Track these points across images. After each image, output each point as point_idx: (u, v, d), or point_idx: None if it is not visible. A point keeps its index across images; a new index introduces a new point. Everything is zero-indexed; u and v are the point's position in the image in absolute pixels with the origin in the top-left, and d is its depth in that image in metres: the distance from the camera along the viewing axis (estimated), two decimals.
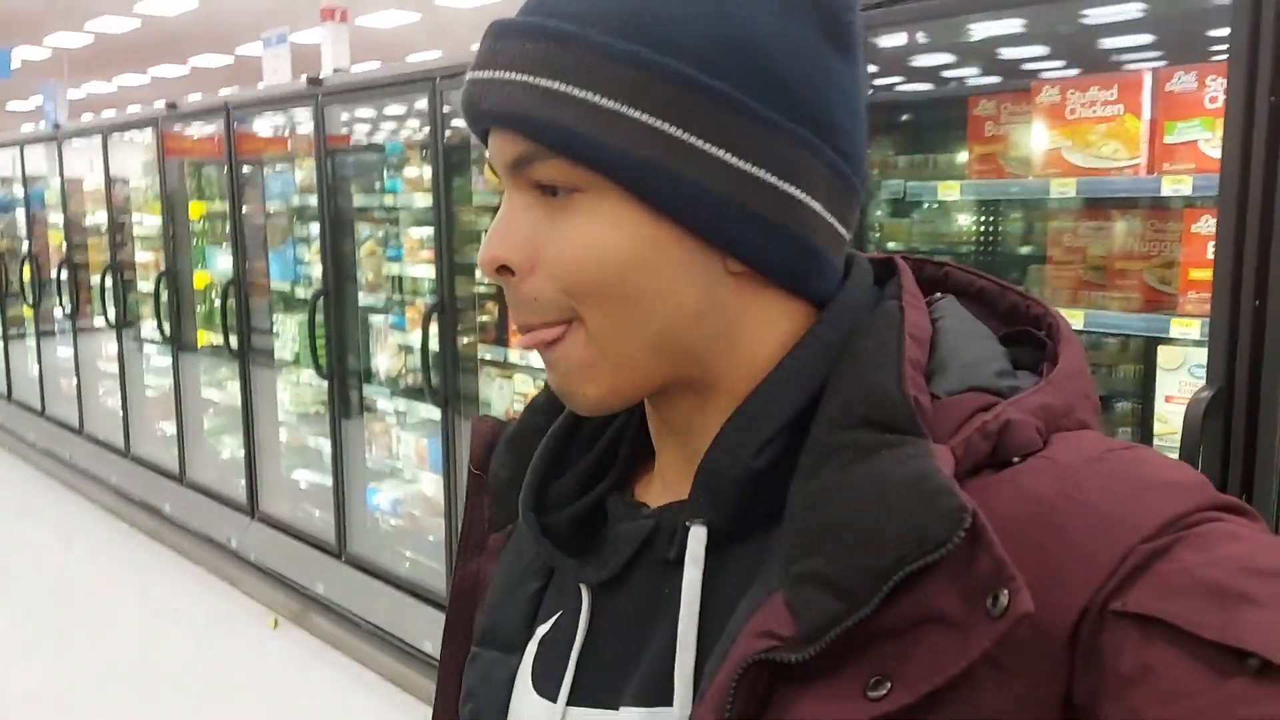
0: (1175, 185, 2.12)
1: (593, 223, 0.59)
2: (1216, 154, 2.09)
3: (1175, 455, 1.98)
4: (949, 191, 2.51)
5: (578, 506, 0.70)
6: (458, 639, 0.79)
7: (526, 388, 3.75)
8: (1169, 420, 2.25)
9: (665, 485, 0.69)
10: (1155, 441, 2.27)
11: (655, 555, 0.66)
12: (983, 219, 2.91)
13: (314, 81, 4.28)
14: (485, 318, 3.93)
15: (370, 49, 12.50)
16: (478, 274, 3.84)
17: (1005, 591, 0.50)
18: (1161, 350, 2.27)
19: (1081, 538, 0.52)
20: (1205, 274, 2.15)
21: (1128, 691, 0.49)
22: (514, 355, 3.72)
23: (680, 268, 0.60)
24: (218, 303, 5.22)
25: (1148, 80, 2.21)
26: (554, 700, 0.68)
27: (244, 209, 5.08)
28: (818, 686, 0.54)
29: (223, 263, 5.46)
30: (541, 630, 0.72)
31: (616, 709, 0.65)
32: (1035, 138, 2.40)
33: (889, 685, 0.53)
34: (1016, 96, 2.54)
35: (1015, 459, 0.56)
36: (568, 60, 0.57)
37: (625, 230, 0.59)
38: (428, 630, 3.98)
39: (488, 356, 3.87)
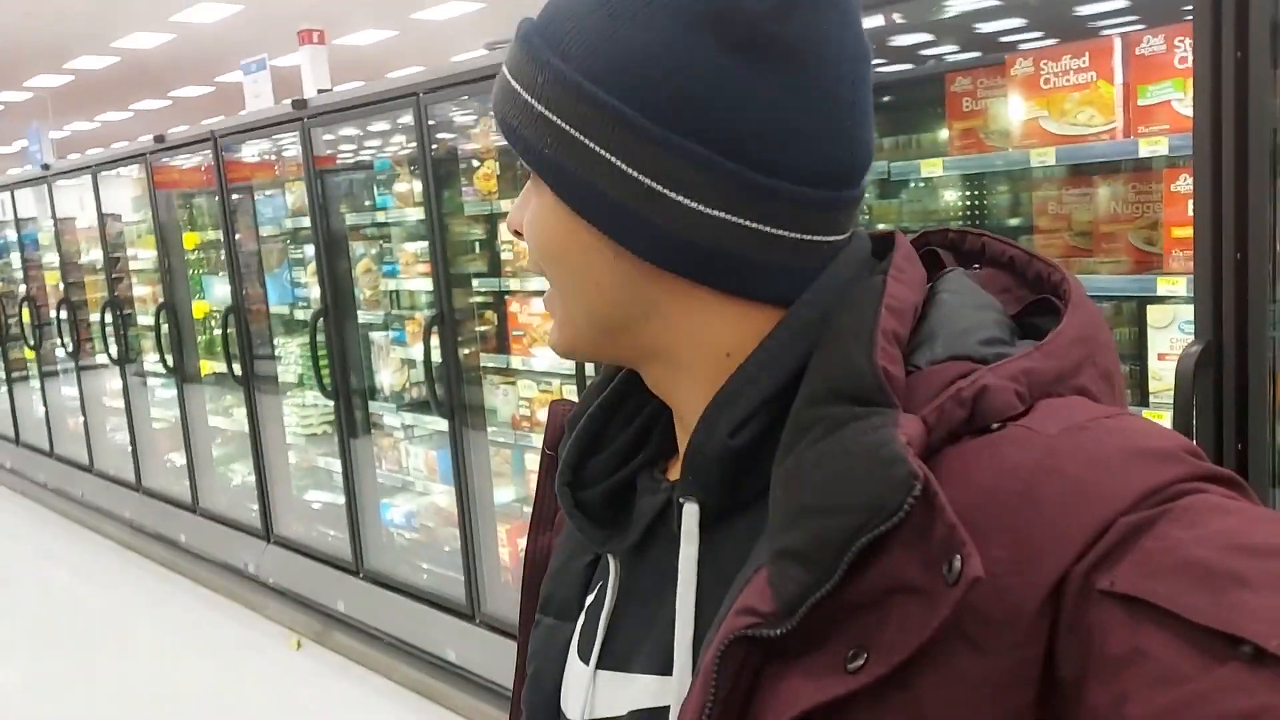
0: (1152, 146, 2.16)
1: (538, 207, 0.68)
2: (1189, 113, 2.13)
3: (1169, 411, 2.02)
4: (931, 169, 2.55)
5: (610, 482, 0.74)
6: (530, 606, 0.85)
7: (531, 393, 3.78)
8: (1163, 378, 2.29)
9: (680, 464, 0.73)
10: (1151, 399, 2.31)
11: (669, 527, 0.70)
12: (968, 194, 2.94)
13: (299, 104, 4.32)
14: (485, 327, 3.97)
15: (350, 68, 12.53)
16: (475, 284, 3.88)
17: (958, 557, 0.50)
18: (1151, 309, 2.31)
19: (1054, 509, 0.52)
20: (1187, 231, 2.19)
21: (1117, 674, 0.48)
22: (516, 361, 3.76)
23: (595, 254, 0.66)
24: (218, 331, 5.26)
25: (1118, 45, 2.25)
26: (590, 664, 0.73)
27: (237, 236, 5.12)
28: (801, 662, 0.55)
29: (220, 291, 5.50)
30: (589, 599, 0.77)
31: (633, 673, 0.70)
32: (1013, 110, 2.44)
33: (865, 656, 0.53)
34: (991, 71, 2.57)
35: (995, 425, 0.56)
36: (523, 64, 0.66)
37: (551, 217, 0.67)
38: (449, 639, 4.02)
39: (490, 364, 3.91)
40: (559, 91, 0.64)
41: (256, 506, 5.30)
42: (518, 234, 0.72)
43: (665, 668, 0.66)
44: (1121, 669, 0.48)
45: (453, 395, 3.89)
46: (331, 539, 4.87)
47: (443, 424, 4.03)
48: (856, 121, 0.65)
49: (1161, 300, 2.26)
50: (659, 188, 0.62)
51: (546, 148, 0.65)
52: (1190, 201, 2.18)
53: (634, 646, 0.71)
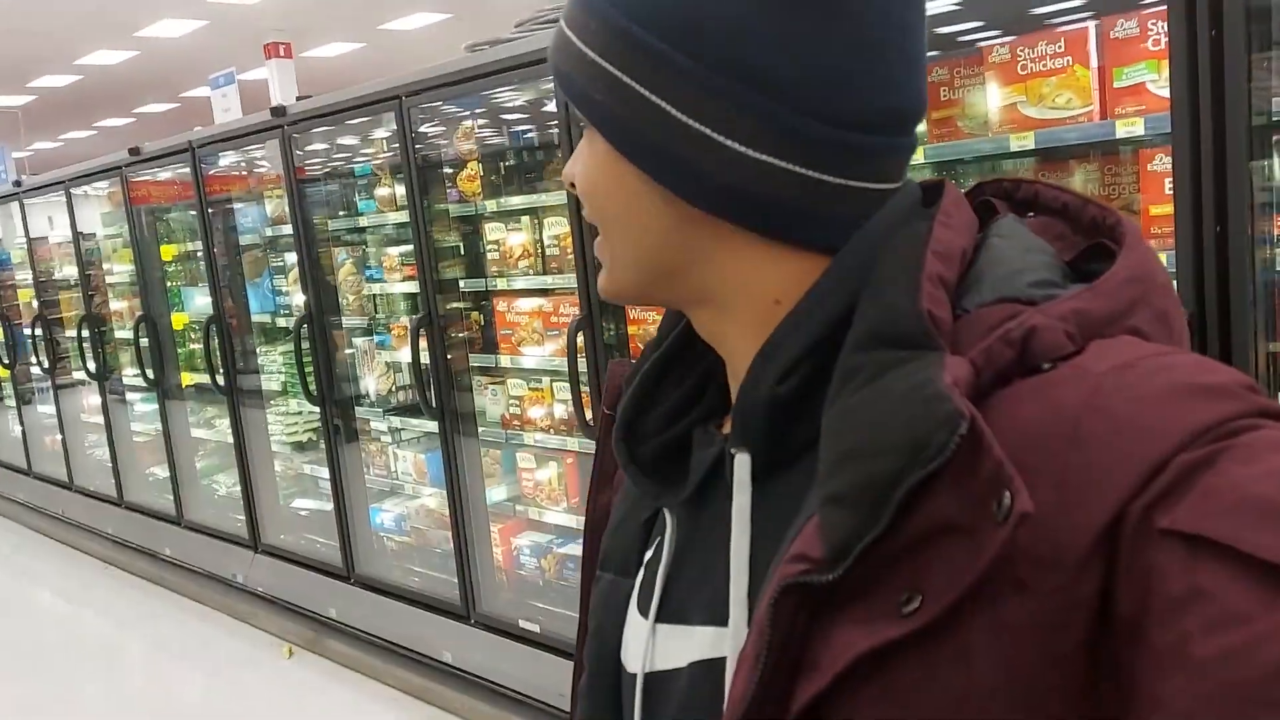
0: (1128, 128, 2.22)
1: (591, 155, 0.70)
2: (1164, 94, 2.19)
3: None
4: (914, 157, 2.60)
5: (666, 436, 0.75)
6: (591, 564, 0.86)
7: (520, 391, 3.81)
8: None
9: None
10: None
11: (724, 480, 0.70)
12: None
13: (277, 111, 4.32)
14: (471, 329, 4.00)
15: (317, 82, 12.49)
16: (461, 285, 3.90)
17: (1007, 494, 0.50)
18: None
19: (1103, 447, 0.51)
20: (1165, 209, 2.26)
21: (1177, 615, 0.47)
22: (505, 361, 3.78)
23: (645, 200, 0.67)
24: (197, 344, 5.24)
25: (1092, 30, 2.32)
26: (649, 618, 0.74)
27: (216, 246, 5.12)
28: (855, 608, 0.55)
29: (200, 302, 5.49)
30: (648, 554, 0.78)
31: (691, 625, 0.71)
32: (990, 97, 2.50)
33: (920, 599, 0.53)
34: (969, 61, 2.63)
35: (1045, 366, 0.55)
36: (577, 13, 0.67)
37: (603, 164, 0.68)
38: (444, 640, 4.03)
39: (479, 365, 3.93)
40: (608, 36, 0.65)
41: (243, 516, 5.29)
42: (572, 186, 0.73)
43: (722, 619, 0.67)
44: (1183, 609, 0.47)
45: (442, 397, 3.90)
46: (321, 546, 4.86)
47: (431, 426, 4.05)
48: (906, 66, 0.65)
49: None
50: (706, 131, 0.63)
51: (598, 93, 0.65)
52: (1167, 180, 2.25)
53: (691, 599, 0.72)
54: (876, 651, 0.54)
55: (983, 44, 2.53)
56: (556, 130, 3.65)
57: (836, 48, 0.62)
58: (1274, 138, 2.02)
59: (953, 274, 0.60)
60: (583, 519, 3.35)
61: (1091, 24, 2.32)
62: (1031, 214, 0.70)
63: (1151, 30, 2.22)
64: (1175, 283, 2.06)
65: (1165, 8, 2.05)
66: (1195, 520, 0.47)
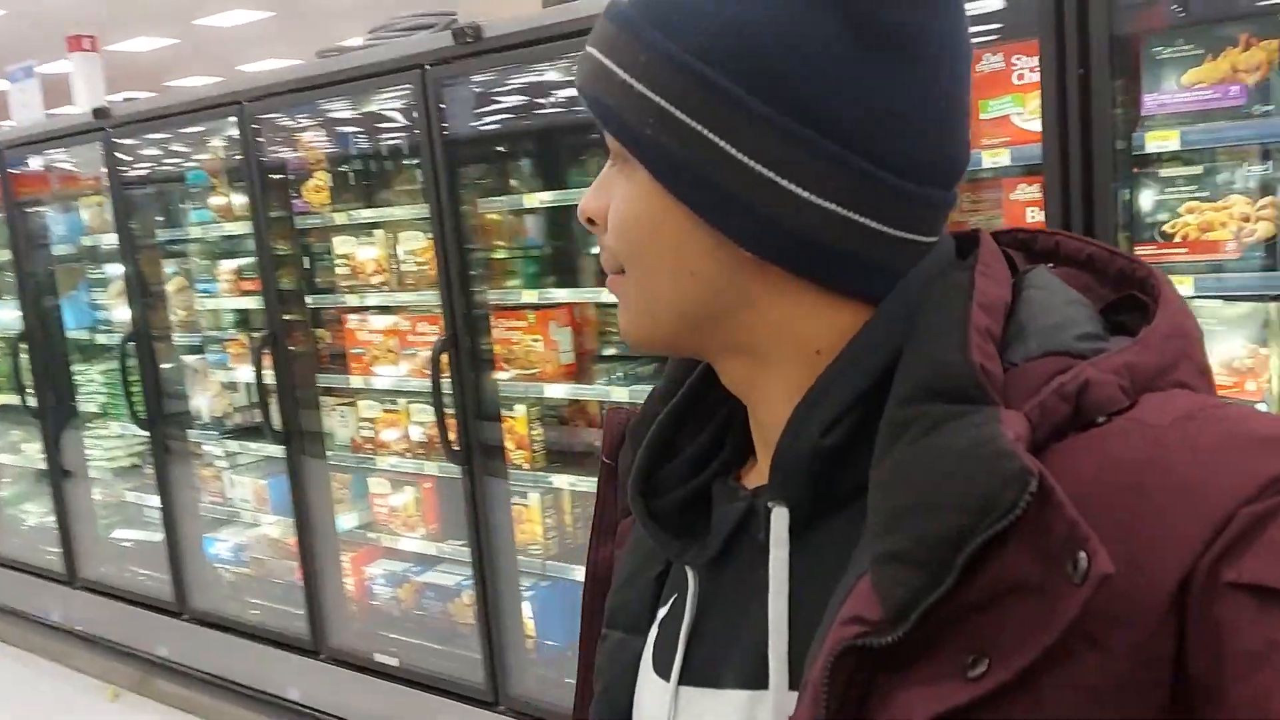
0: (994, 158, 2.30)
1: (630, 191, 0.65)
2: (1028, 126, 2.29)
3: None
4: None
5: (684, 491, 0.72)
6: (593, 620, 0.83)
7: (373, 413, 3.65)
8: None
9: (761, 472, 0.71)
10: None
11: (752, 537, 0.68)
12: None
13: (100, 113, 4.02)
14: (313, 351, 3.81)
15: (128, 78, 11.78)
16: (309, 300, 3.71)
17: (1083, 554, 0.49)
18: None
19: (1169, 501, 0.51)
20: None
21: (1254, 670, 0.47)
22: (357, 381, 3.62)
23: (694, 243, 0.64)
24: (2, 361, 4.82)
25: None
26: (668, 679, 0.70)
27: (23, 255, 4.71)
28: (916, 671, 0.53)
29: (6, 316, 5.04)
30: (662, 612, 0.75)
31: (722, 688, 0.68)
32: None
33: (987, 662, 0.52)
34: None
35: (1100, 420, 0.55)
36: (620, 43, 0.63)
37: (647, 202, 0.64)
38: (290, 677, 3.82)
39: (327, 385, 3.75)
40: (664, 70, 0.61)
41: (57, 548, 4.88)
42: (590, 222, 0.70)
43: (757, 681, 0.65)
44: (1260, 663, 0.47)
45: (287, 419, 3.70)
46: (148, 580, 4.53)
47: (273, 450, 3.83)
48: (961, 119, 0.64)
49: None
50: (770, 174, 0.60)
51: (647, 128, 0.62)
52: (1029, 209, 2.35)
53: (720, 660, 0.69)
54: (943, 715, 0.52)
55: None
56: (405, 140, 3.53)
57: (909, 96, 0.61)
58: (1133, 169, 2.13)
59: (997, 326, 0.59)
60: (443, 545, 3.27)
61: None
62: (1051, 265, 0.69)
63: (1016, 65, 2.31)
64: None
65: (1036, 42, 2.13)
66: (1263, 572, 0.47)
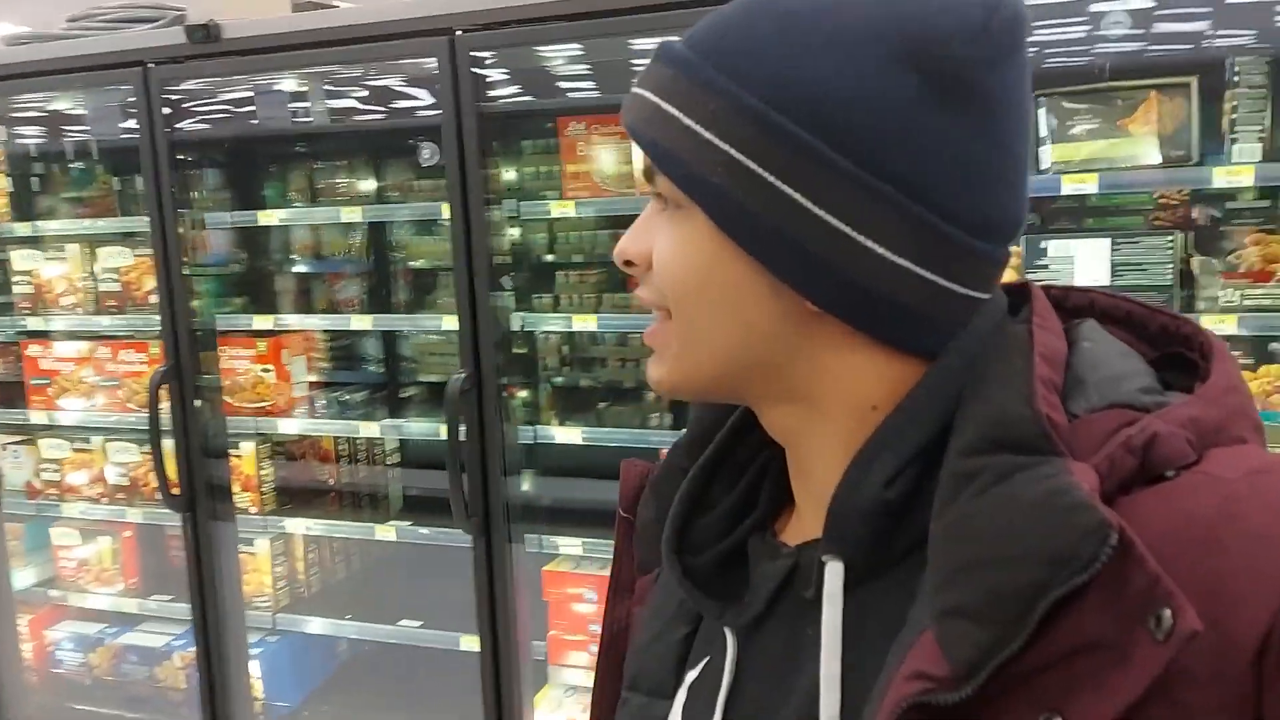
0: None
1: (682, 237, 0.64)
2: None
3: None
4: (563, 209, 2.59)
5: (721, 547, 0.71)
6: (608, 683, 0.80)
7: (59, 453, 3.17)
8: None
9: (803, 524, 0.70)
10: None
11: (796, 595, 0.66)
12: (594, 233, 3.03)
13: None
14: None
15: None
16: None
17: (1167, 611, 0.48)
18: None
19: (1246, 557, 0.50)
20: None
21: None
22: (37, 416, 3.13)
23: (752, 293, 0.63)
24: None
25: None
26: None
27: None
28: None
29: None
30: (690, 676, 0.72)
31: None
32: (638, 157, 2.55)
33: None
34: (605, 118, 2.67)
35: (1169, 473, 0.55)
36: (681, 86, 0.62)
37: (704, 250, 0.63)
38: None
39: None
40: (736, 119, 0.60)
41: None
42: (628, 264, 0.68)
43: None
44: None
45: None
46: None
47: None
48: (1023, 175, 0.64)
49: None
50: (844, 229, 0.59)
51: (714, 176, 0.61)
52: None
53: None
54: None
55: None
56: (93, 142, 3.14)
57: (981, 153, 0.61)
58: None
59: (1059, 378, 0.60)
60: (147, 602, 2.94)
61: None
62: (1077, 320, 0.68)
63: None
64: None
65: None
66: None
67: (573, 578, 2.76)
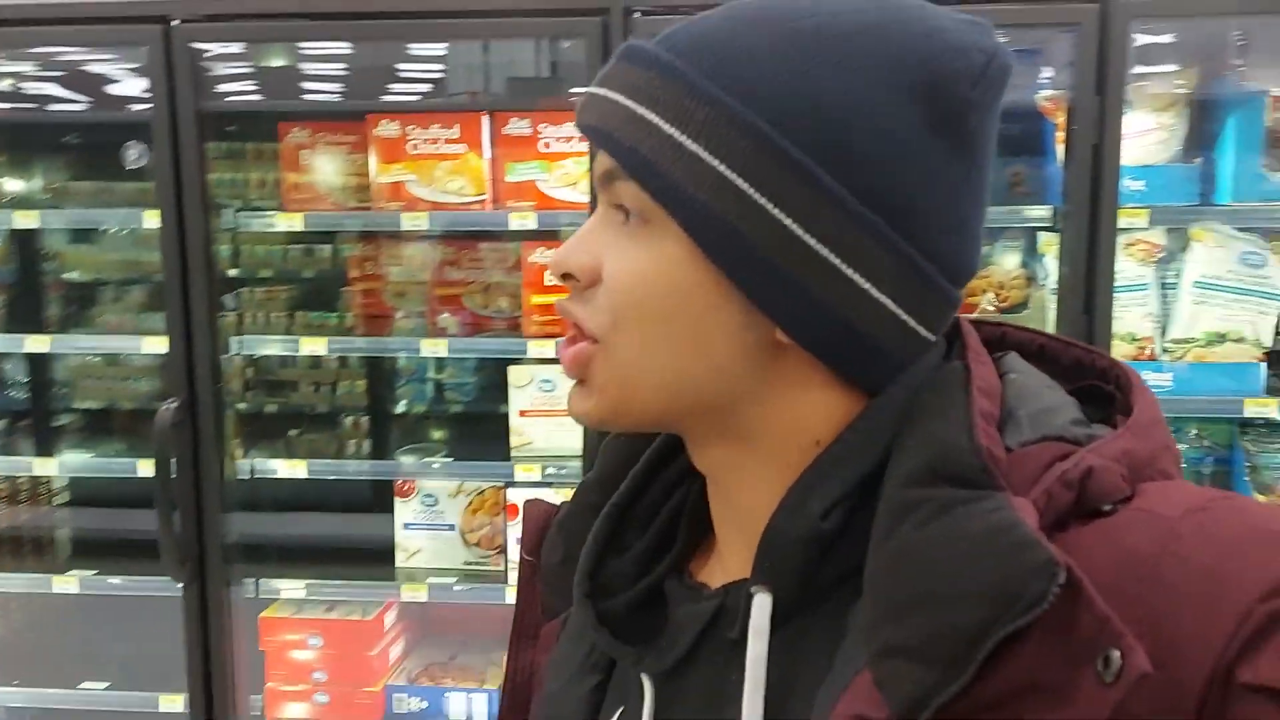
0: (521, 220, 2.33)
1: (648, 252, 0.60)
2: (553, 194, 2.37)
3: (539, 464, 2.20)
4: (290, 221, 2.39)
5: (636, 590, 0.67)
6: None
7: None
8: (524, 433, 2.48)
9: (725, 567, 0.67)
10: (513, 454, 2.48)
11: (720, 638, 0.64)
12: (305, 246, 2.81)
13: None
14: None
15: None
16: None
17: (1116, 652, 0.48)
18: (512, 370, 2.48)
19: (1191, 596, 0.49)
20: (546, 299, 2.42)
21: None
22: None
23: (720, 319, 0.59)
24: None
25: (486, 122, 2.39)
26: None
27: None
28: None
29: None
30: None
31: None
32: (372, 169, 2.41)
33: None
34: (340, 127, 2.51)
35: (1105, 508, 0.54)
36: (664, 93, 0.58)
37: (676, 268, 0.59)
38: None
39: None
40: (729, 133, 0.56)
41: None
42: (567, 277, 0.63)
43: None
44: None
45: None
46: None
47: None
48: (983, 226, 0.64)
49: (527, 361, 2.44)
50: (834, 259, 0.57)
51: (700, 192, 0.57)
52: (547, 272, 2.42)
53: None
54: None
55: (368, 112, 2.43)
56: None
57: (966, 196, 0.60)
58: None
59: (995, 411, 0.59)
60: None
61: (486, 116, 2.39)
62: (1000, 353, 0.68)
63: (543, 133, 2.37)
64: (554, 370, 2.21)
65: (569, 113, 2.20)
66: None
67: (293, 623, 2.54)
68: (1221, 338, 2.21)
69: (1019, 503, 0.52)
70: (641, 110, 0.58)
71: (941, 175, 0.58)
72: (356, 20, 2.20)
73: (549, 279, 2.42)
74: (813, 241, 0.56)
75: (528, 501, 0.78)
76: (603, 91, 0.61)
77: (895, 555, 0.54)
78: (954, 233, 0.60)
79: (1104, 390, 0.64)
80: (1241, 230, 2.22)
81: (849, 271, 0.57)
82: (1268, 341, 2.21)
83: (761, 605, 0.60)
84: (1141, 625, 0.48)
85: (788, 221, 0.56)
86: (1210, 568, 0.50)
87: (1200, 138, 2.25)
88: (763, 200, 0.56)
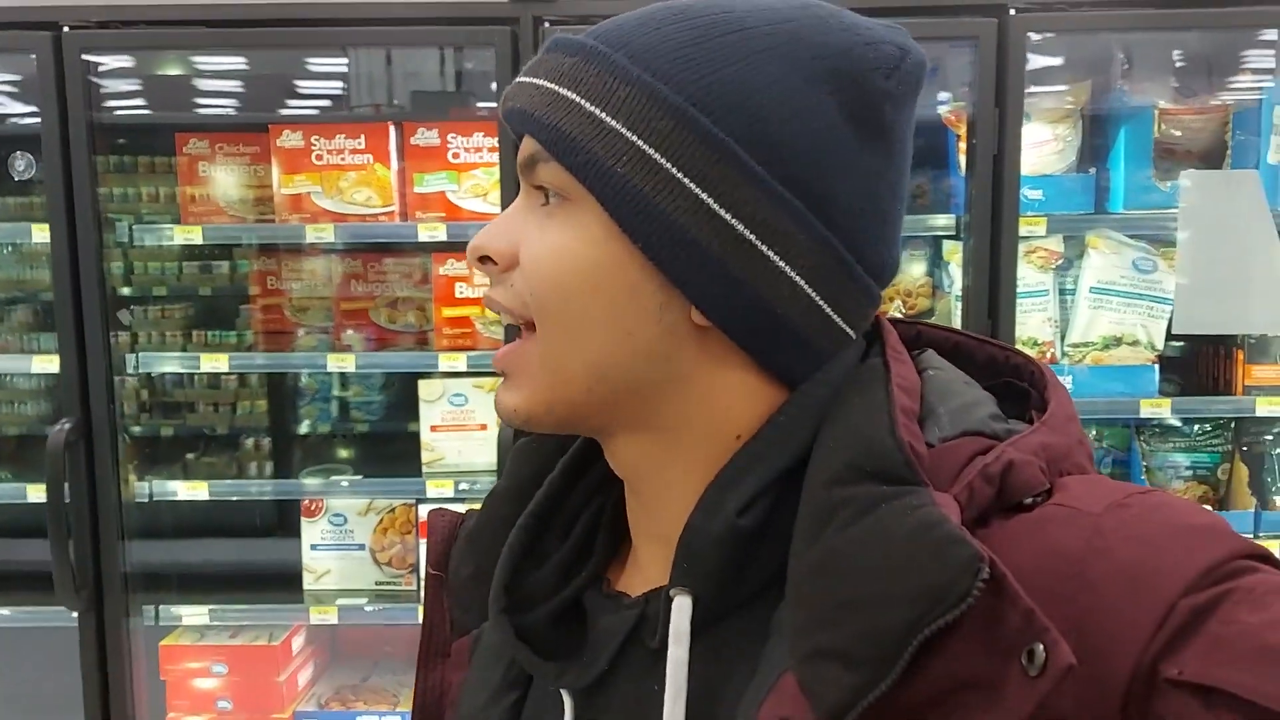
0: (431, 232, 2.30)
1: (567, 231, 0.59)
2: (464, 204, 2.34)
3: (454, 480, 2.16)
4: (189, 234, 2.31)
5: (554, 604, 0.65)
6: None
7: None
8: (435, 448, 2.43)
9: (644, 575, 0.66)
10: (425, 470, 2.43)
11: (641, 649, 0.63)
12: (203, 261, 2.72)
13: None
14: None
15: None
16: None
17: (1040, 646, 0.48)
18: (423, 384, 2.43)
19: (1115, 592, 0.50)
20: (457, 311, 2.39)
21: None
22: None
23: (639, 298, 0.59)
24: None
25: (393, 133, 2.35)
26: None
27: None
28: None
29: None
30: None
31: None
32: (277, 181, 2.35)
33: None
34: (240, 138, 2.44)
35: (1025, 501, 0.55)
36: (588, 75, 0.59)
37: (594, 246, 0.59)
38: None
39: None
40: (648, 110, 0.57)
41: None
42: (484, 260, 0.62)
43: None
44: None
45: None
46: None
47: None
48: (901, 225, 0.64)
49: (437, 375, 2.40)
50: (750, 236, 0.57)
51: (618, 165, 0.57)
52: (458, 284, 2.39)
53: None
54: None
55: (270, 123, 2.37)
56: None
57: (880, 187, 0.61)
58: None
59: (915, 407, 0.59)
60: None
61: (393, 126, 2.35)
62: (918, 350, 0.68)
63: (451, 143, 2.34)
64: (465, 383, 2.18)
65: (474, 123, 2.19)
66: (1206, 670, 0.47)
67: (196, 650, 2.45)
68: (1117, 341, 2.29)
69: (942, 498, 0.52)
70: (564, 91, 0.59)
71: (859, 165, 0.59)
72: (258, 28, 2.14)
73: (459, 292, 2.40)
74: (730, 217, 0.57)
75: (432, 512, 0.75)
76: (528, 78, 0.61)
77: (820, 559, 0.54)
78: (874, 226, 0.60)
79: (1018, 387, 0.64)
80: (1133, 237, 2.30)
81: (765, 249, 0.57)
82: (1160, 344, 2.30)
83: (681, 608, 0.59)
84: (1068, 622, 0.49)
85: (705, 197, 0.56)
86: (1133, 563, 0.50)
87: (1094, 149, 2.34)
88: (681, 176, 0.56)
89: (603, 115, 0.57)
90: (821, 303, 0.59)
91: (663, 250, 0.57)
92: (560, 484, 0.68)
